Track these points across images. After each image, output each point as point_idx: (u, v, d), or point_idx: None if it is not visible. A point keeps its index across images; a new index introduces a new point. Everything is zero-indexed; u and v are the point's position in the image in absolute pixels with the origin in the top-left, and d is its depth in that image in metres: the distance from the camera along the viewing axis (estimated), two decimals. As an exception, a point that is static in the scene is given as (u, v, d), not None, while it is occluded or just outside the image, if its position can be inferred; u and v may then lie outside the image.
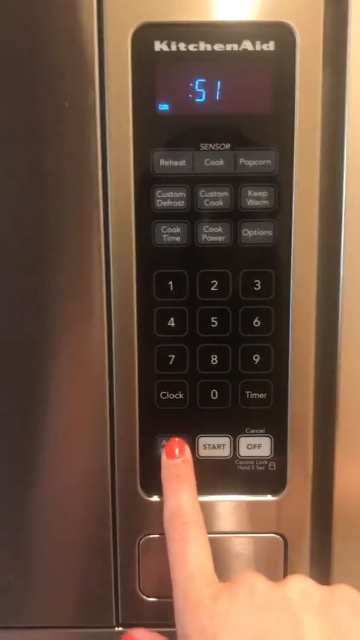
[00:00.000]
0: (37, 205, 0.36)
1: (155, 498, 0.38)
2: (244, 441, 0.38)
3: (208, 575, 0.32)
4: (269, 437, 0.38)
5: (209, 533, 0.38)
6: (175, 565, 0.33)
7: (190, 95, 0.35)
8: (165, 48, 0.34)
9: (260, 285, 0.36)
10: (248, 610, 0.30)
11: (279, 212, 0.36)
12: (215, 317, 0.37)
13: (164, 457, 0.37)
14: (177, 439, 0.37)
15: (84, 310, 0.37)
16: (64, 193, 0.35)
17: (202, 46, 0.34)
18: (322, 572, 0.40)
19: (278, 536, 0.39)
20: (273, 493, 0.38)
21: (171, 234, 0.36)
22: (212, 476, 0.38)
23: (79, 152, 0.35)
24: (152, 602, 0.39)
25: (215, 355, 0.37)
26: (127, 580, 0.39)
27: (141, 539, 0.39)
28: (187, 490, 0.35)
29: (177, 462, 0.36)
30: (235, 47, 0.34)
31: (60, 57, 0.34)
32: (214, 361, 0.37)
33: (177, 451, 0.37)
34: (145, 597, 0.39)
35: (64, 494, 0.38)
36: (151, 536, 0.39)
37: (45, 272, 0.36)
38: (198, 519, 0.34)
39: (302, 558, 0.39)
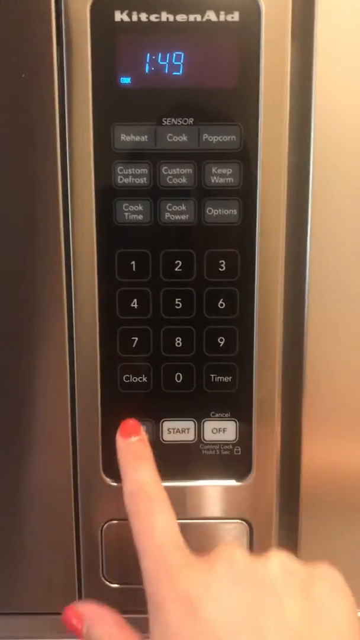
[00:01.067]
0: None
1: (118, 483, 0.37)
2: (208, 425, 0.37)
3: (180, 544, 0.31)
4: (234, 421, 0.37)
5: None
6: (143, 536, 0.32)
7: (152, 68, 0.34)
8: (125, 18, 0.33)
9: (225, 265, 0.35)
10: (229, 581, 0.29)
11: (244, 190, 0.35)
12: (180, 299, 0.36)
13: (119, 438, 0.36)
14: (130, 420, 0.36)
15: (44, 292, 0.36)
16: (22, 170, 0.34)
17: (164, 16, 0.33)
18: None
19: (243, 522, 0.38)
20: (238, 478, 0.38)
21: (133, 212, 0.35)
22: (177, 461, 0.37)
23: (38, 125, 0.34)
24: (116, 588, 0.39)
25: (180, 338, 0.36)
26: (90, 566, 0.38)
27: (104, 524, 0.38)
28: (147, 467, 0.34)
29: (133, 440, 0.36)
30: (198, 17, 0.33)
31: (17, 27, 0.33)
32: (178, 344, 0.36)
33: (132, 430, 0.36)
34: (108, 584, 0.39)
35: (26, 479, 0.37)
36: (115, 522, 0.38)
37: (2, 252, 0.35)
38: (161, 493, 0.33)
39: (268, 544, 0.39)
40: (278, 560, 0.30)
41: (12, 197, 0.34)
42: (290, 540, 0.39)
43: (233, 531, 0.38)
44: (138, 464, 0.34)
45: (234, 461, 0.37)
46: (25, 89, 0.33)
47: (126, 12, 0.33)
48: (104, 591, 0.39)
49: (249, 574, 0.30)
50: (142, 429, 0.36)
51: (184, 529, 0.38)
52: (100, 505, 0.38)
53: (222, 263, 0.36)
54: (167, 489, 0.37)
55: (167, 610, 0.29)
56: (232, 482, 0.38)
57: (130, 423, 0.36)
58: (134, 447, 0.35)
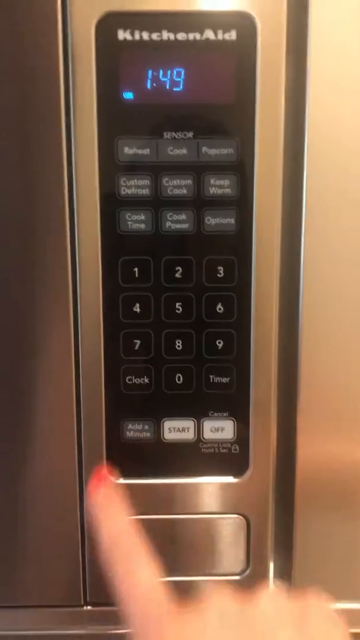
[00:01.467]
0: (1, 193, 0.36)
1: (121, 480, 0.39)
2: (207, 424, 0.39)
3: (164, 596, 0.30)
4: (232, 420, 0.39)
5: (176, 514, 0.40)
6: (127, 586, 0.31)
7: (154, 84, 0.35)
8: (128, 37, 0.35)
9: (223, 272, 0.37)
10: (221, 626, 0.28)
11: (241, 201, 0.36)
12: (180, 303, 0.38)
13: (90, 489, 0.35)
14: (98, 470, 0.37)
15: (50, 296, 0.37)
16: (29, 181, 0.36)
17: (165, 35, 0.35)
18: (285, 552, 0.41)
19: (241, 517, 0.40)
20: (236, 475, 0.39)
21: (136, 221, 0.37)
22: (177, 459, 0.39)
23: (45, 141, 0.35)
24: (119, 581, 0.40)
25: (180, 341, 0.38)
26: (94, 561, 0.40)
27: (108, 520, 0.40)
28: (123, 515, 0.34)
29: (102, 492, 0.35)
30: (197, 36, 0.35)
31: (24, 46, 0.34)
32: (179, 346, 0.38)
33: (102, 479, 0.36)
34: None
35: (32, 476, 0.39)
36: (117, 517, 0.39)
37: (7, 260, 0.37)
38: (140, 544, 0.32)
39: (265, 538, 0.40)
40: (268, 599, 0.30)
41: (20, 207, 0.36)
42: (286, 534, 0.41)
43: (231, 526, 0.40)
44: (114, 512, 0.34)
45: (232, 459, 0.39)
46: (33, 104, 0.35)
47: (129, 30, 0.35)
48: (108, 585, 0.40)
49: (241, 617, 0.29)
50: (109, 478, 0.37)
51: (183, 524, 0.40)
52: (104, 501, 0.39)
53: (220, 269, 0.37)
54: (167, 486, 0.39)
55: None
56: (230, 479, 0.39)
57: (102, 473, 0.37)
58: (103, 498, 0.34)
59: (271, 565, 0.41)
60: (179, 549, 0.40)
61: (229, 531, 0.40)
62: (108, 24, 0.35)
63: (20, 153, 0.35)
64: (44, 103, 0.35)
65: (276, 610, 0.29)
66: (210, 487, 0.39)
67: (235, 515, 0.40)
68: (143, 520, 0.39)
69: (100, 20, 0.34)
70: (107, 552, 0.32)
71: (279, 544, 0.41)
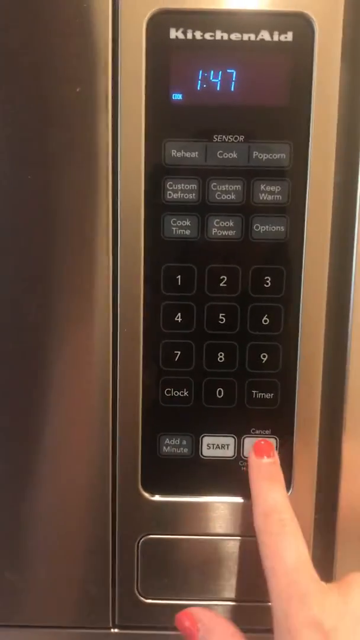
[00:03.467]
0: (44, 194, 0.35)
1: (156, 497, 0.37)
2: (248, 442, 0.37)
3: (311, 569, 0.31)
4: (274, 438, 0.37)
5: (209, 535, 0.38)
6: (275, 558, 0.32)
7: (204, 85, 0.34)
8: (180, 36, 0.33)
9: (270, 282, 0.36)
10: None
11: (292, 208, 0.35)
12: (224, 314, 0.36)
13: (252, 457, 0.36)
14: (263, 440, 0.36)
15: (89, 304, 0.36)
16: (72, 182, 0.34)
17: (219, 35, 0.33)
18: (324, 579, 0.39)
19: (281, 540, 0.38)
20: (277, 496, 0.37)
21: (181, 227, 0.35)
22: (215, 477, 0.37)
23: (90, 140, 0.34)
24: (150, 603, 0.38)
25: (222, 353, 0.36)
26: (124, 580, 0.38)
27: (141, 538, 0.38)
28: (281, 489, 0.35)
29: (268, 461, 0.36)
30: (252, 37, 0.33)
31: (74, 42, 0.33)
32: (221, 359, 0.36)
33: (267, 450, 0.36)
34: (142, 599, 0.38)
35: (64, 490, 0.37)
36: (151, 536, 0.38)
37: (50, 263, 0.35)
38: (294, 518, 0.33)
39: (305, 563, 0.38)
40: None
41: (62, 209, 0.35)
42: (326, 560, 0.39)
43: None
44: (271, 485, 0.34)
45: (273, 478, 0.37)
46: (80, 102, 0.34)
47: (181, 29, 0.33)
48: (138, 606, 0.38)
49: None
50: (275, 452, 0.36)
51: (221, 545, 0.38)
52: (137, 519, 0.37)
53: (267, 279, 0.36)
54: (205, 504, 0.38)
55: (298, 634, 0.29)
56: (270, 500, 0.37)
57: (264, 443, 0.36)
58: (267, 467, 0.35)
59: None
60: (214, 571, 0.38)
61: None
62: (159, 22, 0.33)
63: (65, 154, 0.34)
64: (91, 103, 0.34)
65: None
66: (249, 507, 0.37)
67: (275, 538, 0.38)
68: (177, 540, 0.38)
69: (151, 17, 0.33)
70: (259, 525, 0.33)
71: (318, 569, 0.39)
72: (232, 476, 0.37)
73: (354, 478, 0.38)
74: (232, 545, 0.38)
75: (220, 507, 0.38)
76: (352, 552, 0.39)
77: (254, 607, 0.38)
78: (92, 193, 0.35)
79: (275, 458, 0.36)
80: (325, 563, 0.39)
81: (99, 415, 0.37)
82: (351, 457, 0.37)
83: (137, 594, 0.38)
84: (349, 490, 0.38)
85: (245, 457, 0.37)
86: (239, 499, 0.38)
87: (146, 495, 0.37)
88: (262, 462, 0.35)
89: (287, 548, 0.31)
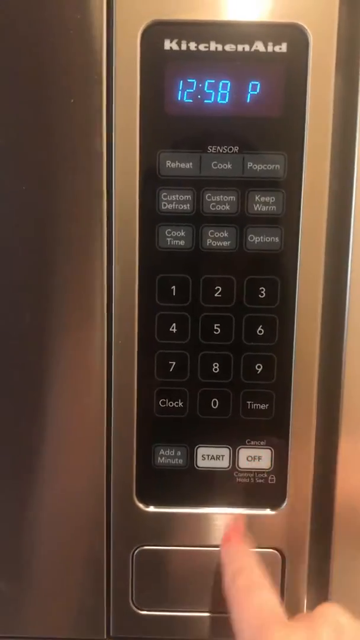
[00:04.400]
0: (39, 205, 0.35)
1: (151, 509, 0.37)
2: (243, 453, 0.37)
3: (278, 612, 0.30)
4: (269, 449, 0.37)
5: (205, 546, 0.38)
6: (240, 608, 0.31)
7: (199, 96, 0.34)
8: (175, 47, 0.33)
9: (265, 292, 0.35)
10: None
11: (287, 219, 0.35)
12: (218, 324, 0.36)
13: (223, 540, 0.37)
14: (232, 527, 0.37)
15: (84, 313, 0.36)
16: (66, 192, 0.34)
17: (213, 46, 0.33)
18: (319, 589, 0.39)
19: (276, 551, 0.38)
20: (272, 507, 0.37)
21: (175, 237, 0.35)
22: (210, 488, 0.37)
23: (84, 150, 0.34)
24: (144, 614, 0.38)
25: (217, 364, 0.36)
26: (119, 591, 0.38)
27: (135, 549, 0.38)
28: (247, 556, 0.35)
29: (233, 542, 0.36)
30: (246, 47, 0.33)
31: (68, 53, 0.33)
32: (216, 369, 0.36)
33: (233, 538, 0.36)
34: (137, 610, 0.38)
35: (58, 501, 0.37)
36: (145, 547, 0.37)
37: (45, 273, 0.35)
38: (263, 577, 0.33)
39: (300, 575, 0.38)
40: None
41: (57, 219, 0.35)
42: (322, 570, 0.39)
43: (265, 560, 0.37)
44: (237, 557, 0.35)
45: (268, 489, 0.37)
46: (74, 113, 0.34)
47: (176, 40, 0.33)
48: (132, 617, 0.38)
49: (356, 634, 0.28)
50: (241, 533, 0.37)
51: (216, 556, 0.38)
52: (131, 530, 0.37)
53: (262, 290, 0.36)
54: (200, 515, 0.37)
55: None
56: (265, 511, 0.37)
57: (232, 531, 0.37)
58: (235, 553, 0.35)
59: (305, 602, 0.39)
60: (209, 582, 0.38)
61: (263, 566, 0.38)
62: (154, 33, 0.33)
63: (60, 165, 0.34)
64: (85, 112, 0.34)
65: None
66: (244, 518, 0.37)
67: (270, 550, 0.38)
68: (172, 551, 0.38)
69: (146, 28, 0.33)
70: (227, 585, 0.33)
71: (313, 582, 0.39)
72: (227, 487, 0.37)
73: (350, 489, 0.38)
74: (227, 556, 0.38)
75: (215, 518, 0.37)
76: (348, 562, 0.39)
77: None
78: (87, 203, 0.34)
79: (241, 534, 0.37)
80: (321, 577, 0.39)
81: (93, 426, 0.36)
82: (347, 467, 0.37)
83: (132, 605, 0.38)
84: (345, 501, 0.38)
85: (240, 467, 0.37)
86: (234, 510, 0.37)
87: (141, 506, 0.37)
88: (231, 549, 0.36)
89: (252, 596, 0.31)
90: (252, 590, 0.32)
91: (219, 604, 0.38)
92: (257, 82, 0.34)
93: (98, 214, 0.34)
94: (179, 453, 0.37)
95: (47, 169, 0.34)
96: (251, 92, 0.34)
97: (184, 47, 0.33)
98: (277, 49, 0.34)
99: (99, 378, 0.36)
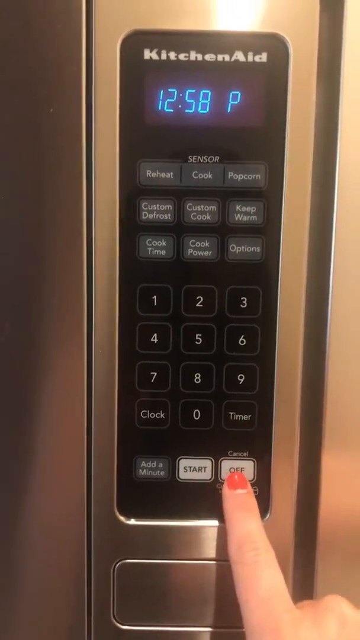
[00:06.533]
0: (19, 215, 0.34)
1: (132, 521, 0.37)
2: (226, 464, 0.36)
3: (286, 599, 0.31)
4: (252, 460, 0.36)
5: (190, 559, 0.37)
6: (247, 589, 0.31)
7: (179, 106, 0.34)
8: (155, 57, 0.33)
9: (246, 302, 0.35)
10: (339, 636, 0.28)
11: (268, 228, 0.35)
12: (200, 334, 0.36)
13: (226, 489, 0.36)
14: (236, 474, 0.36)
15: (64, 324, 0.35)
16: (46, 201, 0.34)
17: (193, 56, 0.33)
18: (305, 599, 0.39)
19: (259, 563, 0.37)
20: (255, 518, 0.37)
21: (156, 247, 0.35)
22: (193, 500, 0.37)
23: (64, 160, 0.34)
24: (127, 629, 0.38)
25: (199, 374, 0.36)
26: (101, 606, 0.37)
27: (117, 563, 0.37)
28: (255, 519, 0.34)
29: (242, 492, 0.35)
30: (227, 57, 0.33)
31: (47, 62, 0.33)
32: (197, 380, 0.36)
33: (240, 482, 0.36)
34: (119, 625, 0.38)
35: (39, 515, 0.37)
36: (127, 561, 0.37)
37: (25, 283, 0.35)
38: (269, 547, 0.33)
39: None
40: None
41: (36, 229, 0.34)
42: (306, 580, 0.38)
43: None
44: (246, 515, 0.34)
45: (251, 501, 0.37)
46: (53, 123, 0.33)
47: (155, 50, 0.33)
48: (114, 632, 0.38)
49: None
50: (249, 484, 0.36)
51: (201, 569, 0.37)
52: (113, 543, 0.37)
53: (243, 300, 0.35)
54: (183, 528, 0.37)
55: None
56: (248, 523, 0.37)
57: (237, 476, 0.36)
58: (241, 498, 0.35)
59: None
60: (192, 596, 0.37)
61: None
62: (134, 42, 0.33)
63: (39, 174, 0.34)
64: (64, 123, 0.33)
65: None
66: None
67: (253, 562, 0.37)
68: (154, 564, 0.37)
69: (125, 38, 0.33)
70: (232, 555, 0.33)
71: (298, 592, 0.39)
72: (209, 499, 0.37)
73: (334, 498, 0.37)
74: (210, 570, 0.37)
75: (198, 530, 0.37)
76: (332, 573, 0.38)
77: (234, 633, 0.37)
78: (67, 213, 0.34)
79: (249, 489, 0.36)
80: (306, 586, 0.38)
81: (74, 438, 0.36)
82: (330, 479, 0.37)
83: (114, 620, 0.38)
84: (328, 512, 0.38)
85: (223, 479, 0.37)
86: (217, 523, 0.37)
87: (122, 519, 0.37)
88: (236, 492, 0.35)
89: (260, 578, 0.31)
90: (259, 569, 0.31)
91: (202, 617, 0.38)
92: (237, 92, 0.34)
93: (78, 223, 0.34)
94: (160, 465, 0.36)
95: (27, 178, 0.34)
96: (232, 102, 0.34)
97: (164, 56, 0.33)
98: (257, 58, 0.33)
99: (80, 388, 0.35)
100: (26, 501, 0.36)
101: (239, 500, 0.35)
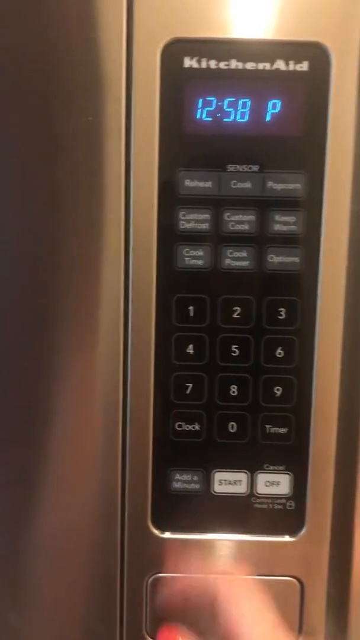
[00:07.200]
0: (54, 225, 0.34)
1: (167, 535, 0.36)
2: (262, 478, 0.36)
3: None
4: (288, 474, 0.36)
5: (220, 574, 0.36)
6: None
7: (219, 115, 0.33)
8: (195, 65, 0.33)
9: (284, 313, 0.35)
10: None
11: (307, 238, 0.34)
12: (237, 346, 0.35)
13: None
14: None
15: (100, 334, 0.35)
16: (84, 211, 0.34)
17: (234, 64, 0.33)
18: (339, 619, 0.38)
19: (294, 579, 0.37)
20: (291, 534, 0.36)
21: (194, 257, 0.34)
22: (227, 514, 0.36)
23: (102, 169, 0.33)
24: (159, 645, 0.37)
25: (235, 386, 0.35)
26: (133, 620, 0.37)
27: (150, 577, 0.36)
28: None
29: None
30: (267, 66, 0.33)
31: (87, 70, 0.33)
32: (234, 392, 0.35)
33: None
34: (151, 640, 0.37)
35: (70, 527, 0.36)
36: (160, 575, 0.36)
37: (59, 294, 0.34)
38: None
39: (319, 603, 0.37)
40: None
41: (73, 240, 0.34)
42: (341, 599, 0.38)
43: (284, 589, 0.36)
44: None
45: (287, 516, 0.36)
46: (92, 132, 0.33)
47: (196, 58, 0.33)
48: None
49: None
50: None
51: (232, 585, 0.37)
52: (146, 557, 0.36)
53: (281, 311, 0.35)
54: (216, 542, 0.36)
55: None
56: (284, 538, 0.36)
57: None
58: None
59: (323, 632, 0.38)
60: (225, 612, 0.37)
61: (282, 594, 0.37)
62: (174, 51, 0.33)
63: (79, 183, 0.33)
64: (104, 131, 0.33)
65: None
66: (262, 545, 0.36)
67: (289, 578, 0.37)
68: (188, 578, 0.36)
69: (166, 46, 0.33)
70: None
71: (332, 611, 0.38)
72: (244, 513, 0.36)
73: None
74: (242, 585, 0.37)
75: (232, 545, 0.36)
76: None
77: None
78: (104, 223, 0.34)
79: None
80: (341, 606, 0.38)
81: (108, 449, 0.36)
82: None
83: (146, 635, 0.37)
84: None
85: (258, 493, 0.36)
86: (252, 537, 0.36)
87: (156, 532, 0.36)
88: None
89: None
90: None
91: (234, 633, 0.37)
92: (277, 101, 0.33)
93: (116, 233, 0.34)
94: (195, 478, 0.36)
95: (63, 188, 0.34)
96: (271, 111, 0.33)
97: (204, 65, 0.33)
98: (298, 67, 0.33)
99: (115, 400, 0.35)
100: (59, 514, 0.36)
101: None
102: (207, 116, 0.33)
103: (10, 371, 0.35)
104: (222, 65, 0.33)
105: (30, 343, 0.35)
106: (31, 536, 0.37)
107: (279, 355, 0.35)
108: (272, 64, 0.33)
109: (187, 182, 0.34)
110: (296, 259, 0.34)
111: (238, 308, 0.35)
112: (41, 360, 0.35)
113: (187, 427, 0.36)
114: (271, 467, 0.36)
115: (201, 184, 0.34)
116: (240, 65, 0.33)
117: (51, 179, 0.34)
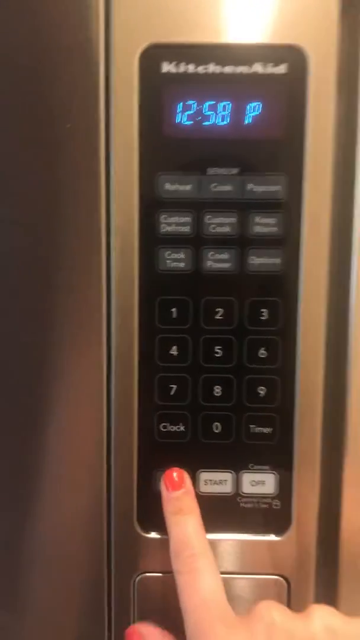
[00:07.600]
0: (39, 227, 0.34)
1: (152, 535, 0.36)
2: (247, 477, 0.36)
3: (221, 604, 0.31)
4: (273, 473, 0.36)
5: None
6: (185, 596, 0.31)
7: (198, 118, 0.34)
8: (173, 69, 0.33)
9: (266, 314, 0.35)
10: None
11: (288, 240, 0.34)
12: (220, 347, 0.35)
13: (164, 490, 0.35)
14: (175, 470, 0.35)
15: (83, 336, 0.35)
16: (66, 215, 0.34)
17: (212, 68, 0.33)
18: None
19: (281, 578, 0.37)
20: (277, 533, 0.36)
21: (175, 259, 0.35)
22: (213, 513, 0.36)
23: (83, 174, 0.34)
24: (147, 644, 0.37)
25: (219, 387, 0.36)
26: (121, 620, 0.37)
27: (137, 577, 0.37)
28: (191, 522, 0.34)
29: (178, 494, 0.35)
30: (245, 69, 0.33)
31: (65, 76, 0.33)
32: (218, 392, 0.36)
33: (177, 482, 0.35)
34: (139, 639, 0.37)
35: (57, 528, 0.36)
36: (148, 574, 0.37)
37: (45, 294, 0.35)
38: (206, 550, 0.33)
39: (306, 602, 0.37)
40: (320, 620, 0.30)
41: (56, 242, 0.34)
42: (329, 597, 0.38)
43: (270, 587, 0.37)
44: (182, 519, 0.34)
45: (273, 515, 0.36)
46: (71, 138, 0.33)
47: (174, 63, 0.33)
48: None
49: (290, 637, 0.29)
50: (187, 479, 0.35)
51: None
52: (133, 557, 0.37)
53: (263, 312, 0.35)
54: (203, 541, 0.37)
55: None
56: (270, 537, 0.36)
57: (174, 475, 0.35)
58: (178, 501, 0.34)
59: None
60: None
61: (268, 593, 0.37)
62: (152, 55, 0.33)
63: (59, 187, 0.34)
64: (83, 136, 0.33)
65: (328, 631, 0.29)
66: (248, 544, 0.37)
67: (275, 576, 0.37)
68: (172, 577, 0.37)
69: (144, 51, 0.33)
70: (173, 564, 0.33)
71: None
72: (230, 512, 0.36)
73: (356, 513, 0.37)
74: (230, 583, 0.37)
75: (218, 544, 0.37)
76: (355, 592, 0.38)
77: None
78: (87, 226, 0.34)
79: (187, 488, 0.35)
80: (329, 600, 0.38)
81: (93, 451, 0.36)
82: (353, 491, 0.37)
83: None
84: (351, 526, 0.37)
85: (244, 492, 0.36)
86: (238, 536, 0.37)
87: (142, 532, 0.36)
88: (172, 495, 0.35)
89: (196, 587, 0.31)
90: (196, 577, 0.31)
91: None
92: (257, 104, 0.34)
93: (97, 236, 0.34)
94: (189, 477, 0.36)
95: (46, 191, 0.34)
96: (251, 114, 0.34)
97: (182, 69, 0.33)
98: (276, 70, 0.33)
99: (99, 401, 0.35)
100: (45, 515, 0.36)
101: (175, 504, 0.34)
102: (187, 120, 0.34)
103: (4, 371, 0.36)
104: (200, 69, 0.33)
105: (28, 343, 0.35)
106: (19, 538, 0.37)
107: (262, 356, 0.35)
108: (250, 67, 0.33)
109: (168, 186, 0.34)
110: (277, 260, 0.35)
111: (220, 309, 0.35)
112: (29, 366, 0.36)
113: (172, 428, 0.36)
114: (256, 467, 0.36)
115: (181, 187, 0.34)
116: (218, 69, 0.33)
117: (35, 185, 0.34)
